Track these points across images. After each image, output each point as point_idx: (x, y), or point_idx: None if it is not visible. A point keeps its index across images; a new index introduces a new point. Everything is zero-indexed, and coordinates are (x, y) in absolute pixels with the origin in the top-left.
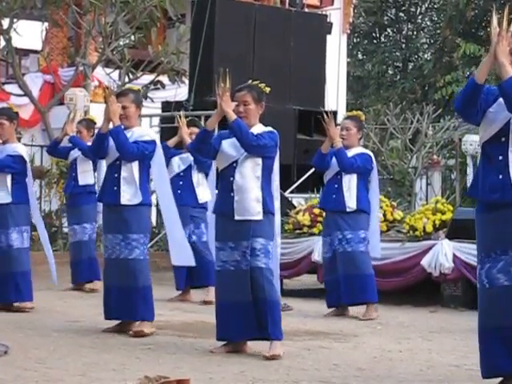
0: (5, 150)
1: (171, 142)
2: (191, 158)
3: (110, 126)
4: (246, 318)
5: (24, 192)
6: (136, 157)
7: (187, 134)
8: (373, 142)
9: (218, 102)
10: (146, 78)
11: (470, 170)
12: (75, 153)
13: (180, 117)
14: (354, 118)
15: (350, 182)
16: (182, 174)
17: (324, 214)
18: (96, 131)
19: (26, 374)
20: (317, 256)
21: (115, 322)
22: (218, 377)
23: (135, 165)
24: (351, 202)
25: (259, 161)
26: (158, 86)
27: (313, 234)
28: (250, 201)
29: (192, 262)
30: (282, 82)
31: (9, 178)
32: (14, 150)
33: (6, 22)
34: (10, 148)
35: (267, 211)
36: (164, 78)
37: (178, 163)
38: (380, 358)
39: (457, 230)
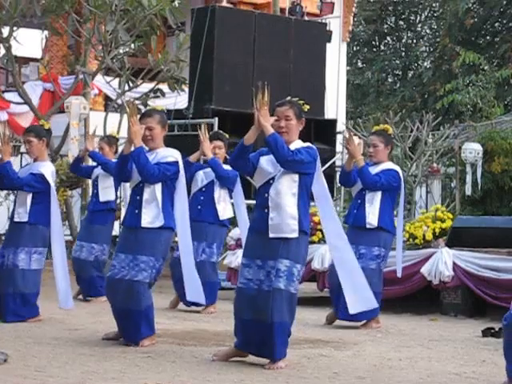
0: (32, 167)
1: (193, 158)
2: (213, 174)
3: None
4: (263, 338)
5: (43, 213)
6: (157, 179)
7: (209, 148)
8: None
9: (256, 115)
10: (146, 87)
11: (469, 178)
12: (98, 170)
13: (201, 130)
14: (381, 132)
15: (373, 199)
16: (203, 189)
17: None
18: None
19: (26, 383)
20: (316, 264)
21: (112, 329)
22: None
23: (158, 187)
24: (372, 219)
25: (296, 177)
26: (158, 94)
27: (312, 242)
28: (285, 218)
29: (202, 300)
30: (281, 90)
31: (29, 197)
32: (38, 168)
33: (5, 31)
34: (37, 166)
35: (301, 230)
36: (164, 86)
37: (202, 178)
38: (380, 366)
39: (457, 238)
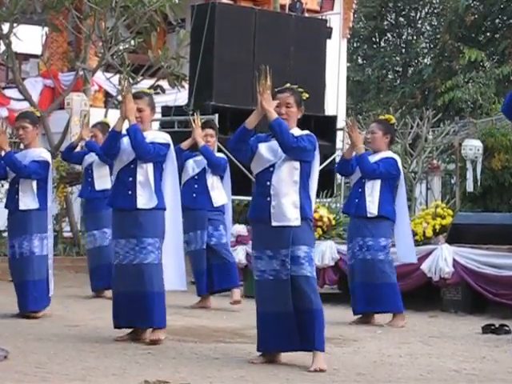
0: (28, 154)
1: (185, 145)
2: (205, 161)
3: (125, 125)
4: (288, 330)
5: (46, 198)
6: (152, 157)
7: (201, 136)
8: None
9: (259, 99)
10: (146, 83)
11: (469, 175)
12: (90, 158)
13: (194, 119)
14: (382, 121)
15: (373, 187)
16: (196, 177)
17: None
18: None
19: (26, 379)
20: (317, 261)
21: (125, 331)
22: (217, 381)
23: (150, 168)
24: (373, 208)
25: (297, 165)
26: (158, 90)
27: None
28: (288, 206)
29: (184, 287)
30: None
31: (34, 184)
32: (40, 155)
33: (6, 27)
34: (35, 153)
35: (305, 217)
36: (164, 83)
37: (193, 166)
38: (380, 362)
39: (457, 235)
